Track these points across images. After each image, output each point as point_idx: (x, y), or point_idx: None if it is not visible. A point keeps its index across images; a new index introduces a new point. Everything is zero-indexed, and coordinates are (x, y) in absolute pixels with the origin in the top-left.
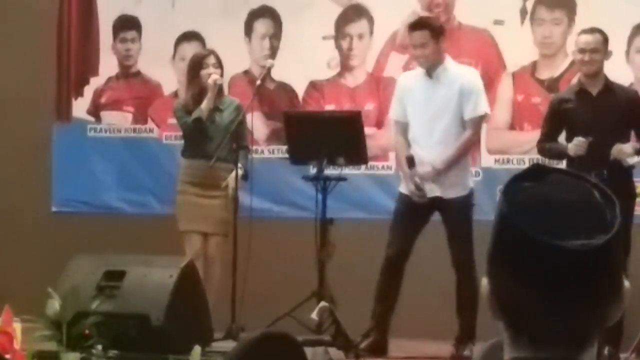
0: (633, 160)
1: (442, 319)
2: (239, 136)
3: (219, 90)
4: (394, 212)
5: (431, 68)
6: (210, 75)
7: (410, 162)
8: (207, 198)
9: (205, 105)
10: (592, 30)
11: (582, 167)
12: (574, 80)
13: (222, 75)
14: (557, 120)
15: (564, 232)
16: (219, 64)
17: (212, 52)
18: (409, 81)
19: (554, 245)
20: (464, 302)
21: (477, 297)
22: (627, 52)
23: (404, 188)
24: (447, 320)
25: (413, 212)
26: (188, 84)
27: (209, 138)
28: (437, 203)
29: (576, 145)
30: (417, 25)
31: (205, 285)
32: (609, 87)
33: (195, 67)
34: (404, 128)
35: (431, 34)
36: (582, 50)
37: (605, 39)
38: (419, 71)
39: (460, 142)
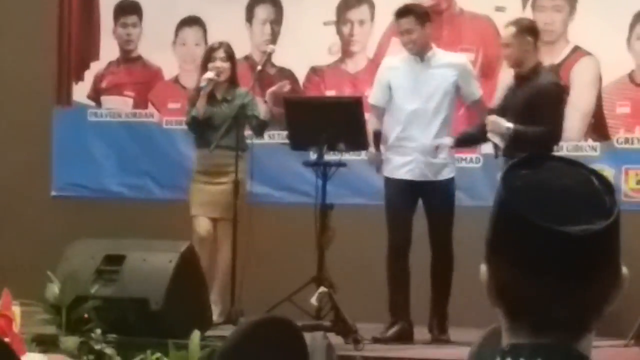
0: (496, 139)
1: (466, 305)
2: (249, 120)
3: (231, 82)
4: (385, 201)
5: (420, 53)
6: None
7: (377, 138)
8: (214, 185)
9: (199, 103)
10: (507, 25)
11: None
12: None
13: (233, 67)
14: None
15: (565, 218)
16: (228, 57)
17: (222, 44)
18: (395, 65)
19: (554, 230)
20: (441, 283)
21: (451, 277)
22: (628, 40)
23: (387, 171)
24: (471, 306)
25: (402, 196)
26: (198, 76)
27: (215, 128)
28: (426, 186)
29: (492, 121)
30: (402, 12)
31: (213, 269)
32: (532, 73)
33: (205, 59)
34: (380, 113)
35: (416, 20)
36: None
37: (521, 30)
38: (405, 55)
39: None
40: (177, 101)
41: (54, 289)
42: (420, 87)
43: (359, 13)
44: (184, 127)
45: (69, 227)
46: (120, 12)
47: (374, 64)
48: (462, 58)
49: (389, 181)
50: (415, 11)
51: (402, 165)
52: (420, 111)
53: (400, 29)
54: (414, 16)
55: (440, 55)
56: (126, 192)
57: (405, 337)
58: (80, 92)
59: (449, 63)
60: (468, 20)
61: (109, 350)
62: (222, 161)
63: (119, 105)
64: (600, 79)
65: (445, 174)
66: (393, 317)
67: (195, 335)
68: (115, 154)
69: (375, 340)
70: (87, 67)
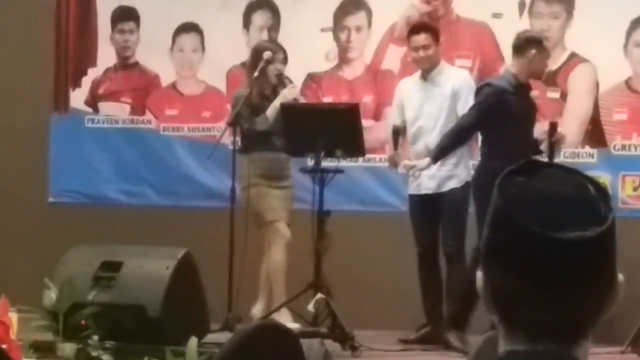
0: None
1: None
2: None
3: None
4: (409, 213)
5: (428, 70)
6: (288, 88)
7: (396, 136)
8: (278, 189)
9: (271, 112)
10: (421, 30)
11: None
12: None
13: None
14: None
15: (559, 224)
16: (285, 60)
17: (281, 47)
18: (407, 86)
19: (549, 237)
20: (454, 291)
21: (465, 286)
22: (625, 46)
23: (411, 189)
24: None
25: (423, 208)
26: (255, 78)
27: (268, 130)
28: (433, 198)
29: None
30: (421, 28)
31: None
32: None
33: (260, 60)
34: (400, 134)
35: (432, 36)
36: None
37: (434, 34)
38: (415, 76)
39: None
40: (174, 107)
41: (51, 296)
42: (425, 106)
43: (356, 19)
44: (181, 133)
45: (66, 234)
46: (118, 18)
47: (371, 70)
48: (462, 73)
49: (409, 197)
50: (432, 28)
51: (413, 181)
52: (427, 128)
53: (417, 44)
54: (430, 33)
55: (445, 72)
56: (123, 198)
57: (431, 340)
58: (78, 98)
59: (448, 79)
60: (465, 26)
61: (106, 357)
62: (283, 164)
63: (116, 111)
64: (597, 86)
65: (451, 185)
66: (427, 320)
67: (193, 341)
68: (113, 160)
69: (401, 341)
70: (84, 73)
